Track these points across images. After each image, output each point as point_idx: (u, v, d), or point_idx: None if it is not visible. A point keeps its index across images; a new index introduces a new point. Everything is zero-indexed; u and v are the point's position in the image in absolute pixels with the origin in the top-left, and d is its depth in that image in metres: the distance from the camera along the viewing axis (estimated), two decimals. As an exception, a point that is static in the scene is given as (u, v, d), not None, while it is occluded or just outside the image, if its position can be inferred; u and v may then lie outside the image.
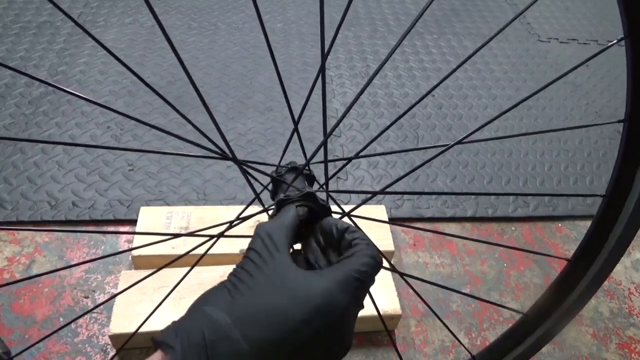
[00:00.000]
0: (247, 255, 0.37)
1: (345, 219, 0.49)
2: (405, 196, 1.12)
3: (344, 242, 0.40)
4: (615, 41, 0.44)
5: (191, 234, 0.56)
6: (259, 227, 0.39)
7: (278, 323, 0.32)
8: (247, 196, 1.08)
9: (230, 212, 0.97)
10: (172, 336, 0.32)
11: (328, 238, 0.42)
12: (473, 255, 1.05)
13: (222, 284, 0.36)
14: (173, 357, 0.31)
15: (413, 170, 0.52)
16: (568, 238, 1.11)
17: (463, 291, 0.98)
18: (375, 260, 0.37)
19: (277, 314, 0.32)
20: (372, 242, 0.39)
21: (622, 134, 0.47)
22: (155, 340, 0.32)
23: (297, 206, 0.44)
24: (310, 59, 1.50)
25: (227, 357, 0.31)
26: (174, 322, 0.33)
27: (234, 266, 0.37)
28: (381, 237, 0.96)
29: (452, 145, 0.50)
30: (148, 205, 1.02)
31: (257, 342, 0.31)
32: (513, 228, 1.12)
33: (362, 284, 0.35)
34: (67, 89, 0.39)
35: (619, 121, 0.46)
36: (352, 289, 0.34)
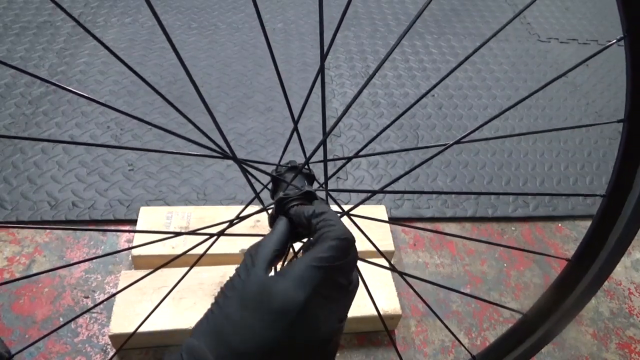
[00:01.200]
0: (231, 277, 0.38)
1: (344, 218, 0.49)
2: (405, 196, 1.12)
3: (312, 227, 0.40)
4: (614, 40, 0.44)
5: (191, 233, 0.56)
6: (248, 248, 0.40)
7: (242, 337, 0.33)
8: (247, 196, 1.08)
9: (230, 212, 0.97)
10: None
11: (302, 227, 0.42)
12: (473, 255, 1.05)
13: (207, 310, 0.37)
14: None
15: (412, 170, 0.52)
16: (568, 238, 1.11)
17: (463, 291, 0.98)
18: (339, 240, 0.36)
19: (240, 328, 0.33)
20: (339, 221, 0.39)
21: (622, 134, 0.47)
22: None
23: (296, 205, 0.44)
24: (310, 59, 1.50)
25: None
26: (166, 354, 0.35)
27: (233, 266, 0.38)
28: (381, 237, 0.96)
29: (451, 145, 0.50)
30: (148, 205, 1.02)
31: (223, 356, 0.32)
32: (513, 228, 1.12)
33: (326, 270, 0.35)
34: (70, 88, 0.39)
35: (619, 121, 0.46)
36: (310, 281, 0.34)
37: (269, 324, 0.33)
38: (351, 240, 0.37)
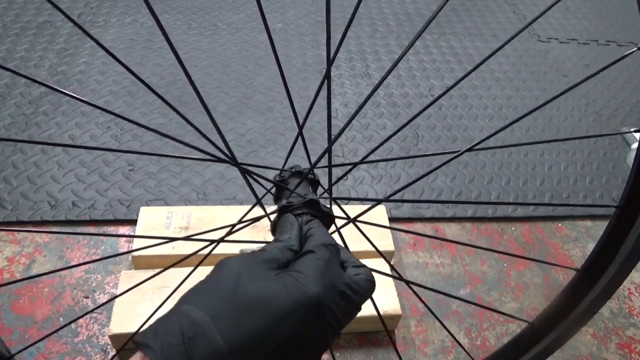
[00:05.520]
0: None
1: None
2: (406, 196, 1.12)
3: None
4: (636, 48, 0.43)
5: (191, 238, 0.56)
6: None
7: (254, 319, 0.32)
8: (247, 196, 1.08)
9: (230, 212, 0.97)
10: (152, 337, 0.31)
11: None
12: (473, 255, 1.05)
13: (203, 282, 0.35)
14: (153, 358, 0.30)
15: (419, 179, 0.51)
16: (568, 238, 1.11)
17: (463, 292, 0.98)
18: (369, 284, 0.38)
19: (253, 310, 0.32)
20: (319, 230, 0.40)
21: (639, 144, 0.46)
22: (135, 342, 0.32)
23: (299, 214, 0.43)
24: (310, 59, 1.50)
25: (206, 355, 0.31)
26: (154, 322, 0.33)
27: None
28: (381, 237, 0.96)
29: (460, 154, 0.50)
30: (148, 205, 1.02)
31: (234, 338, 0.31)
32: (513, 228, 1.12)
33: (355, 303, 0.36)
34: (65, 91, 0.39)
35: (636, 130, 0.45)
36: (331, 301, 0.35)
37: (284, 315, 0.32)
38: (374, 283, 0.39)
